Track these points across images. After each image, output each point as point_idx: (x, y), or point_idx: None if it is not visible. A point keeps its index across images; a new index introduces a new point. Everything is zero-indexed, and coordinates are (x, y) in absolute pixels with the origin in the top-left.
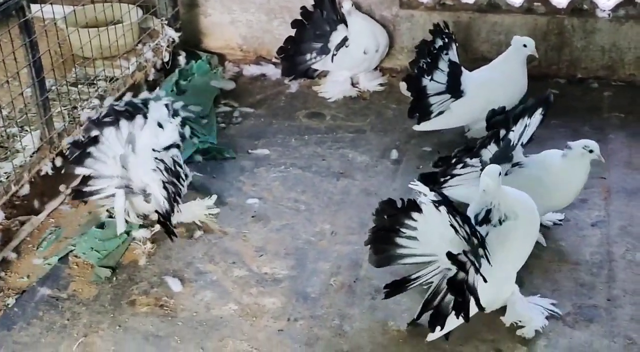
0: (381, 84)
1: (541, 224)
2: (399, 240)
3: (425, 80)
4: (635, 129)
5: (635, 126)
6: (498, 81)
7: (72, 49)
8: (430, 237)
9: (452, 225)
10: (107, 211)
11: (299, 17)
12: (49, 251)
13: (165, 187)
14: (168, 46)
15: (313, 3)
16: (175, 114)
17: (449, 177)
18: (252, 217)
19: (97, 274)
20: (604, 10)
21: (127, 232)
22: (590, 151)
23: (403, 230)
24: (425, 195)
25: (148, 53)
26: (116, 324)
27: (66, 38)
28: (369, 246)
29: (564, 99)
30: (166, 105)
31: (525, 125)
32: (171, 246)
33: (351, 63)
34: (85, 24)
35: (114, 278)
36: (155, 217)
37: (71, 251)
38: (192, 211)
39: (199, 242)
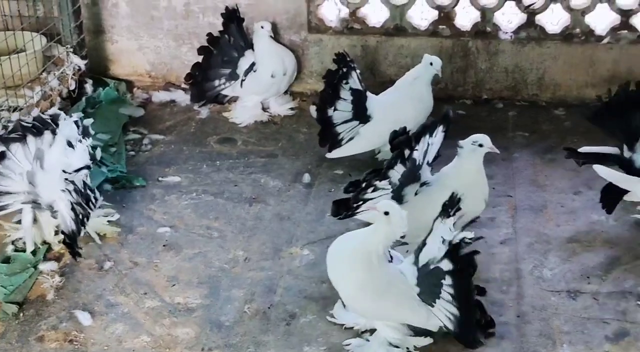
0: (292, 108)
1: None
2: None
3: (330, 111)
4: (539, 148)
5: (539, 145)
6: (404, 102)
7: None
8: None
9: None
10: (13, 243)
11: (205, 44)
12: None
13: (73, 208)
14: (74, 74)
15: (220, 29)
16: (85, 131)
17: (361, 202)
18: (164, 246)
19: (4, 310)
20: (507, 33)
21: (34, 266)
22: (480, 145)
23: None
24: None
25: (53, 81)
26: None
27: None
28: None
29: (470, 119)
30: (76, 122)
31: (428, 144)
32: (80, 278)
33: (260, 87)
34: None
35: (21, 314)
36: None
37: None
38: (92, 225)
39: (109, 273)
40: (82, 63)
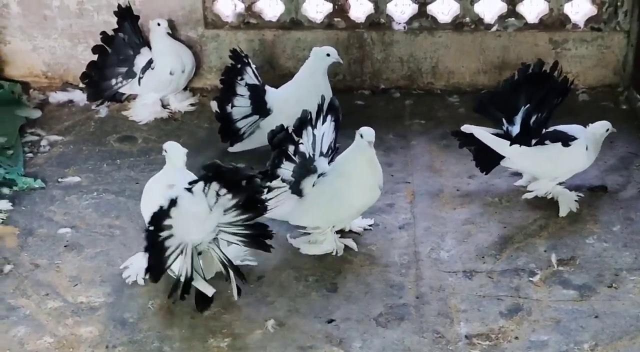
0: (192, 104)
1: (352, 231)
2: (165, 243)
3: (228, 108)
4: (434, 134)
5: (435, 131)
6: (302, 94)
7: None
8: (183, 224)
9: (216, 192)
10: None
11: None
12: None
13: None
14: None
15: (114, 27)
16: None
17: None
18: (65, 246)
19: None
20: (400, 23)
21: None
22: (361, 136)
23: (163, 233)
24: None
25: None
26: None
27: None
28: (146, 265)
29: (369, 109)
30: None
31: (314, 135)
32: None
33: (158, 85)
34: None
35: None
36: None
37: None
38: None
39: (9, 276)
40: None
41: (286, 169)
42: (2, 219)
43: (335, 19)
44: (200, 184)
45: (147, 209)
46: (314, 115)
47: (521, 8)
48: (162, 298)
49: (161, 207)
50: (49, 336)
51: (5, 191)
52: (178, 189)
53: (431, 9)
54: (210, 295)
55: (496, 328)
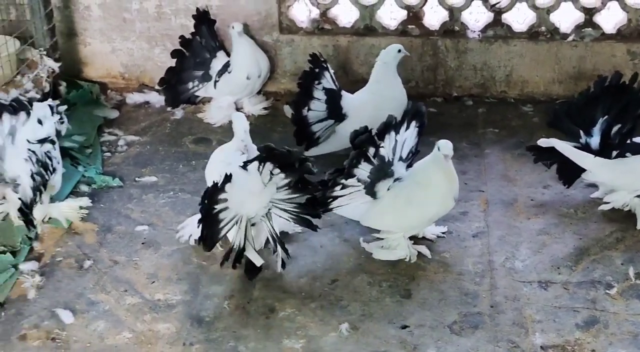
0: (265, 108)
1: (425, 238)
2: (219, 216)
3: (304, 111)
4: (508, 143)
5: (509, 140)
6: (378, 100)
7: None
8: (238, 198)
9: (270, 171)
10: None
11: (179, 47)
12: None
13: (32, 177)
14: (48, 77)
15: (192, 31)
16: (60, 117)
17: (331, 199)
18: (142, 244)
19: None
20: (474, 31)
21: (15, 266)
22: (438, 149)
23: (218, 206)
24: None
25: (28, 84)
26: None
27: None
28: (199, 235)
29: (442, 117)
30: (50, 107)
31: (396, 140)
32: (60, 277)
33: (234, 88)
34: None
35: (2, 314)
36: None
37: None
38: (60, 209)
39: (89, 272)
40: (55, 66)
41: (363, 170)
42: (83, 215)
43: (410, 26)
44: (255, 163)
45: (210, 177)
46: (398, 121)
47: (598, 18)
48: (237, 298)
49: (215, 183)
50: (127, 331)
51: (85, 188)
52: (234, 166)
53: (506, 17)
54: (258, 265)
55: (572, 340)
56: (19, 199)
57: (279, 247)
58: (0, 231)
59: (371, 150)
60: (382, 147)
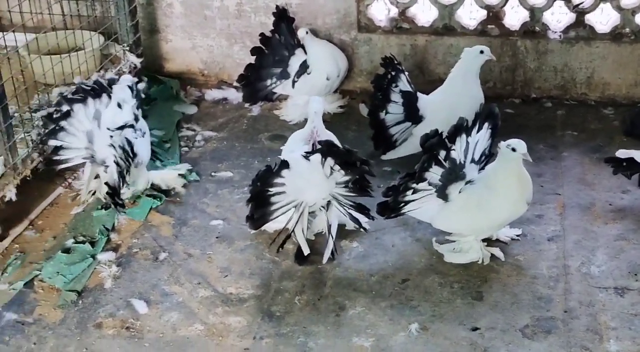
0: (341, 106)
1: (499, 240)
2: (272, 198)
3: (382, 115)
4: (587, 146)
5: (588, 143)
6: (454, 100)
7: (34, 75)
8: (297, 185)
9: (331, 167)
10: (74, 238)
11: (258, 44)
12: (14, 276)
13: (116, 162)
14: (130, 72)
15: (271, 29)
16: (137, 94)
17: (402, 204)
18: (217, 238)
19: (64, 298)
20: (555, 32)
21: (93, 256)
22: (513, 150)
23: (272, 189)
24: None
25: (89, 81)
26: (83, 347)
27: (28, 65)
28: (248, 214)
29: (519, 118)
30: (129, 87)
31: (467, 142)
32: (136, 268)
33: (312, 89)
34: (47, 51)
35: (80, 302)
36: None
37: (36, 276)
38: (161, 176)
39: (164, 264)
40: (137, 61)
41: (434, 174)
42: (184, 182)
43: (489, 26)
44: (318, 155)
45: (284, 156)
46: (470, 123)
47: None
48: (308, 294)
49: (269, 167)
50: (199, 324)
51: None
52: (296, 155)
53: (589, 18)
54: (306, 254)
55: None
56: (106, 183)
57: (330, 240)
58: (79, 222)
59: (442, 154)
60: (453, 150)
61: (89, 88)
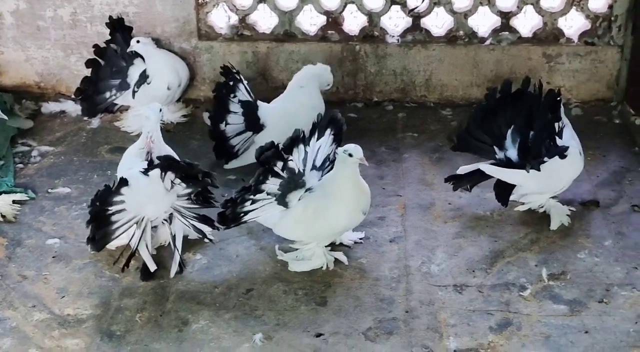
0: (185, 116)
1: (342, 244)
2: (112, 217)
3: (222, 126)
4: (427, 147)
5: (427, 144)
6: (295, 109)
7: None
8: (137, 201)
9: (171, 180)
10: None
11: (92, 56)
12: None
13: None
14: None
15: (106, 39)
16: None
17: (242, 214)
18: (53, 257)
19: None
20: (393, 36)
21: None
22: (350, 155)
23: (112, 208)
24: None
25: None
26: None
27: None
28: (89, 236)
29: (362, 122)
30: None
31: (306, 152)
32: None
33: (153, 99)
34: None
35: None
36: None
37: None
38: None
39: None
40: None
41: (272, 184)
42: (17, 210)
43: (329, 32)
44: (157, 170)
45: (120, 174)
46: (307, 133)
47: (515, 22)
48: (150, 311)
49: (108, 186)
50: (34, 348)
51: None
52: (134, 171)
53: (425, 22)
54: (152, 270)
55: (485, 343)
56: None
57: (177, 253)
58: None
59: (279, 165)
60: (291, 160)
61: None
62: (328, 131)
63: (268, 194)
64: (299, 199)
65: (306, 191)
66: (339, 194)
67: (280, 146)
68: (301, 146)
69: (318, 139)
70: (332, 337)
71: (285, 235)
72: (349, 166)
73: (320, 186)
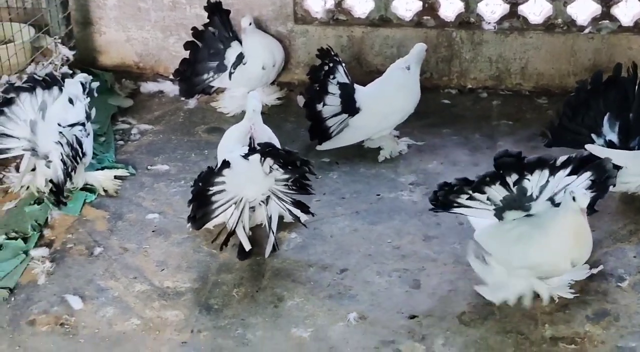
0: (279, 98)
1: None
2: (212, 197)
3: (319, 106)
4: (522, 136)
5: (522, 133)
6: (391, 92)
7: None
8: (237, 182)
9: (270, 166)
10: (5, 234)
11: (191, 39)
12: None
13: (63, 160)
14: (62, 65)
15: (204, 22)
16: (90, 92)
17: (455, 205)
18: (153, 231)
19: None
20: (490, 23)
21: (26, 252)
22: (574, 198)
23: (213, 188)
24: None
25: (42, 72)
26: (16, 344)
27: None
28: (189, 214)
29: (456, 109)
30: (82, 83)
31: (548, 181)
32: (71, 264)
33: (249, 79)
34: None
35: (12, 299)
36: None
37: None
38: (97, 177)
39: (99, 259)
40: (70, 54)
41: (496, 192)
42: (119, 185)
43: (425, 17)
44: (257, 155)
45: (221, 154)
46: (559, 162)
47: (616, 10)
48: (246, 286)
49: (211, 168)
50: (136, 318)
51: None
52: (235, 154)
53: (522, 9)
54: (247, 249)
55: (582, 332)
56: (50, 181)
57: (271, 234)
58: (11, 217)
59: (513, 177)
60: (528, 179)
61: (40, 79)
62: (586, 174)
63: (489, 199)
64: (514, 219)
65: (526, 215)
66: (551, 230)
67: (525, 160)
68: (546, 171)
69: (570, 174)
70: (426, 320)
71: (482, 243)
72: (570, 209)
73: (542, 214)
